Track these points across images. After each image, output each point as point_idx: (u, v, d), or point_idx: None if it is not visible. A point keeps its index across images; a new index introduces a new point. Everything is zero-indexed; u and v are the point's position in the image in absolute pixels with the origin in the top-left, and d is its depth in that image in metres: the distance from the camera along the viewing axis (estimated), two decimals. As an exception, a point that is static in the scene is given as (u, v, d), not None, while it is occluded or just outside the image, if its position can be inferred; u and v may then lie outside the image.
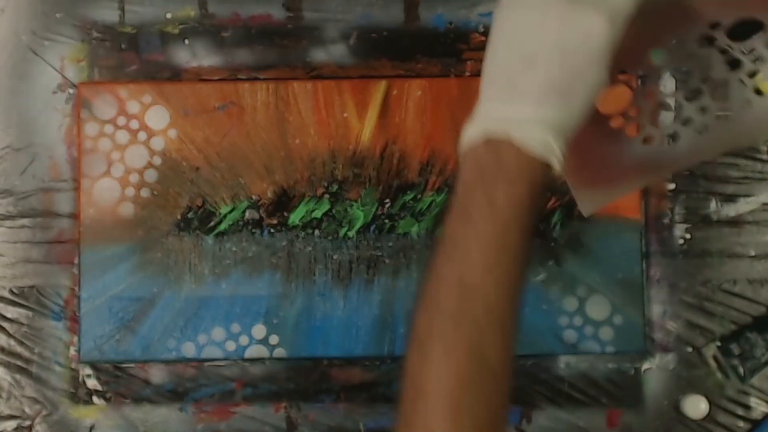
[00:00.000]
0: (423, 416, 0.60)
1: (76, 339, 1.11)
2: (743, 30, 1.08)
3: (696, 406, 1.11)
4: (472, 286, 0.61)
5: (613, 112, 0.83)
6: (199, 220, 1.12)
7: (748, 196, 1.14)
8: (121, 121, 1.11)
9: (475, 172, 0.63)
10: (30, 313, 1.11)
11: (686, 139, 0.80)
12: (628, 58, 0.82)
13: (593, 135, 0.82)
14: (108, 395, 1.11)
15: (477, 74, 1.10)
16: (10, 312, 1.11)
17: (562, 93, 0.61)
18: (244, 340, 1.11)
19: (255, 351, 1.11)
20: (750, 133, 0.81)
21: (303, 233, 1.11)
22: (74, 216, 1.11)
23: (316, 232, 1.11)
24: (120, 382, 1.11)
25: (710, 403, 1.11)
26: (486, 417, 0.60)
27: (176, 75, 1.12)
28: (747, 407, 1.12)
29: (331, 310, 1.11)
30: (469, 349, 0.60)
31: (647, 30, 0.77)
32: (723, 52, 0.82)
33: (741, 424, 1.11)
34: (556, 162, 0.63)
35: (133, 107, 1.11)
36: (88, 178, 1.11)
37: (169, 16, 1.12)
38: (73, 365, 1.11)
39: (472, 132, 0.64)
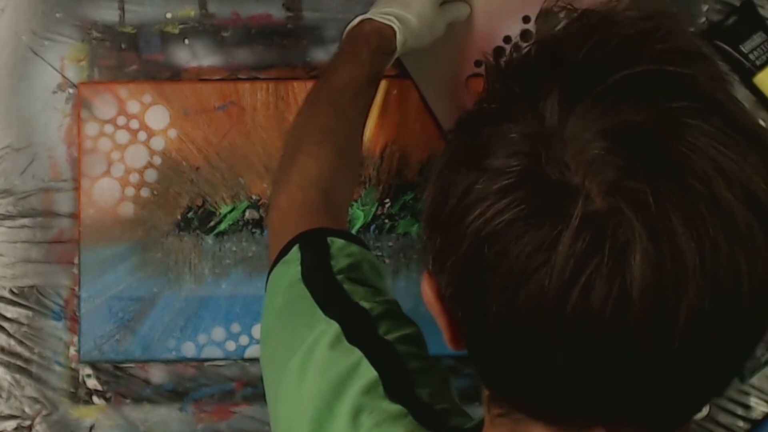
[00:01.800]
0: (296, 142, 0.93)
1: (76, 339, 1.10)
2: (742, 30, 1.09)
3: (696, 406, 1.11)
4: (339, 103, 0.94)
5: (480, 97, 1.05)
6: (199, 220, 1.12)
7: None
8: (121, 121, 1.11)
9: (347, 39, 0.99)
10: (30, 313, 1.11)
11: None
12: (480, 49, 1.09)
13: None
14: (108, 395, 1.11)
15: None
16: (10, 312, 1.11)
17: (404, 3, 0.99)
18: (244, 339, 1.11)
19: (255, 351, 1.10)
20: None
21: (303, 233, 1.11)
22: (74, 216, 1.11)
23: (316, 232, 1.11)
24: (120, 382, 1.11)
25: (710, 403, 1.11)
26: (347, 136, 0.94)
27: (176, 75, 1.12)
28: (747, 407, 1.12)
29: (331, 310, 1.11)
30: (331, 106, 0.94)
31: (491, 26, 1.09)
32: None
33: (741, 424, 1.11)
34: (396, 28, 0.96)
35: (133, 107, 1.11)
36: (88, 178, 1.11)
37: (169, 16, 1.12)
38: (73, 365, 1.11)
39: (352, 22, 0.99)
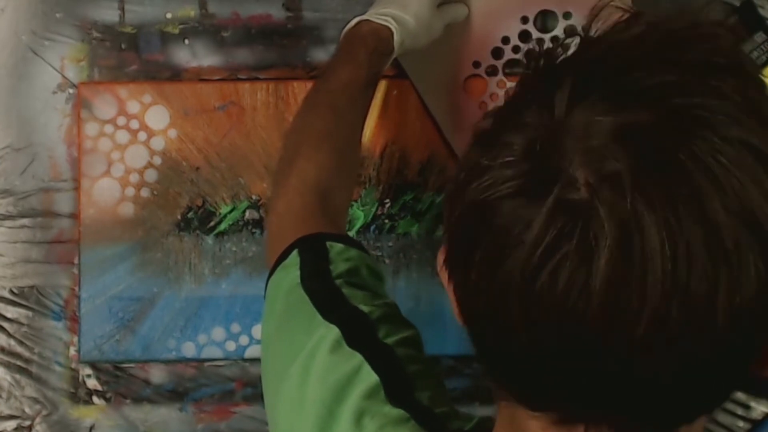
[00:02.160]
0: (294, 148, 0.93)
1: (76, 339, 1.11)
2: (742, 29, 1.09)
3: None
4: (337, 106, 0.94)
5: (478, 98, 1.10)
6: (199, 220, 1.12)
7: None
8: (121, 121, 1.11)
9: (344, 41, 0.99)
10: (30, 313, 1.11)
11: None
12: (478, 50, 1.09)
13: (474, 117, 1.09)
14: (108, 395, 1.11)
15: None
16: (10, 312, 1.11)
17: (401, 4, 0.99)
18: (244, 339, 1.11)
19: (255, 351, 1.11)
20: None
21: (303, 233, 1.11)
22: (74, 216, 1.11)
23: (316, 232, 1.11)
24: (120, 382, 1.11)
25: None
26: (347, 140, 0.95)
27: (176, 75, 1.12)
28: (747, 407, 1.11)
29: (331, 310, 1.11)
30: (329, 109, 0.94)
31: (489, 27, 1.09)
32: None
33: (741, 424, 1.11)
34: (393, 29, 0.97)
35: (133, 107, 1.11)
36: (88, 178, 1.11)
37: (169, 16, 1.12)
38: (73, 365, 1.11)
39: (349, 24, 0.99)
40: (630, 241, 0.45)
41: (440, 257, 0.56)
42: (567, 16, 1.09)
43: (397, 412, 0.67)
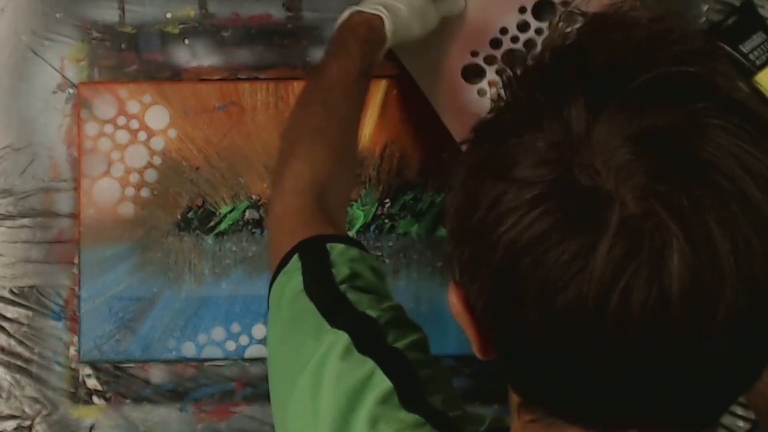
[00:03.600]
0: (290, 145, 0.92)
1: (76, 339, 1.10)
2: (742, 30, 1.09)
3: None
4: (329, 101, 0.93)
5: (476, 85, 1.10)
6: (199, 220, 1.12)
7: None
8: (121, 121, 1.11)
9: (337, 33, 0.98)
10: (30, 313, 1.11)
11: None
12: (476, 41, 1.09)
13: (473, 104, 1.09)
14: (108, 395, 1.11)
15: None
16: (10, 312, 1.11)
17: None
18: (244, 339, 1.11)
19: (255, 351, 1.11)
20: None
21: (303, 233, 1.11)
22: (74, 216, 1.11)
23: (316, 232, 1.11)
24: (120, 382, 1.11)
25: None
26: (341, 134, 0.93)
27: (176, 75, 1.12)
28: (747, 407, 1.11)
29: (331, 310, 1.11)
30: (321, 105, 0.93)
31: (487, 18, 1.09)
32: None
33: (741, 423, 1.11)
34: (384, 17, 0.96)
35: (133, 107, 1.11)
36: (88, 178, 1.11)
37: (169, 16, 1.12)
38: (73, 365, 1.11)
39: (342, 16, 0.98)
40: (697, 245, 0.46)
41: (455, 300, 0.54)
42: (565, 5, 1.09)
43: (412, 417, 0.66)
